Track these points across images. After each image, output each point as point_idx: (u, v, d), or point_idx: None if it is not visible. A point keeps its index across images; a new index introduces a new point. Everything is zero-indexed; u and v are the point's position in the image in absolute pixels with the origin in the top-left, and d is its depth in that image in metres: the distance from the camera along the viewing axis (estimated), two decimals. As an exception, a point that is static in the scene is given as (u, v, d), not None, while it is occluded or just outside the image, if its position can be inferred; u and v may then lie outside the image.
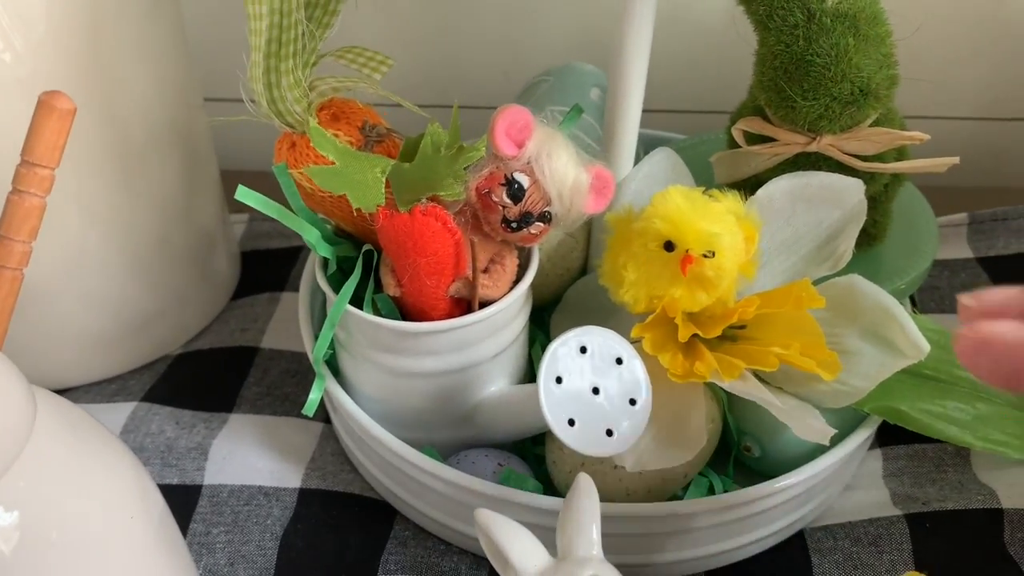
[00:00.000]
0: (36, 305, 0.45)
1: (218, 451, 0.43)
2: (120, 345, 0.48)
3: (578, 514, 0.30)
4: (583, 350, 0.33)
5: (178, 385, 0.47)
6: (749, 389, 0.36)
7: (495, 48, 0.63)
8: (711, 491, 0.39)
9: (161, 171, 0.46)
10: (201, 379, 0.47)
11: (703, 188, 0.37)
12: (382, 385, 0.40)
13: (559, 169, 0.35)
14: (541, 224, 0.36)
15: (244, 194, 0.35)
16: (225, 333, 0.51)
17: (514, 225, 0.36)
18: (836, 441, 0.37)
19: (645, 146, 0.46)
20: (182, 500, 0.41)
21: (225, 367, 0.48)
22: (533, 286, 0.40)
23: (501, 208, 0.36)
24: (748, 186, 0.41)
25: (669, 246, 0.35)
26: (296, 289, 0.53)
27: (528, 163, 0.35)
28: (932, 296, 0.52)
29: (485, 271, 0.38)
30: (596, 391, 0.33)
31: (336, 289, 0.38)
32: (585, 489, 0.31)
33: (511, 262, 0.38)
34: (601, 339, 0.34)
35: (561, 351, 0.33)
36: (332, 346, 0.40)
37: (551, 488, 0.39)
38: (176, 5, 0.47)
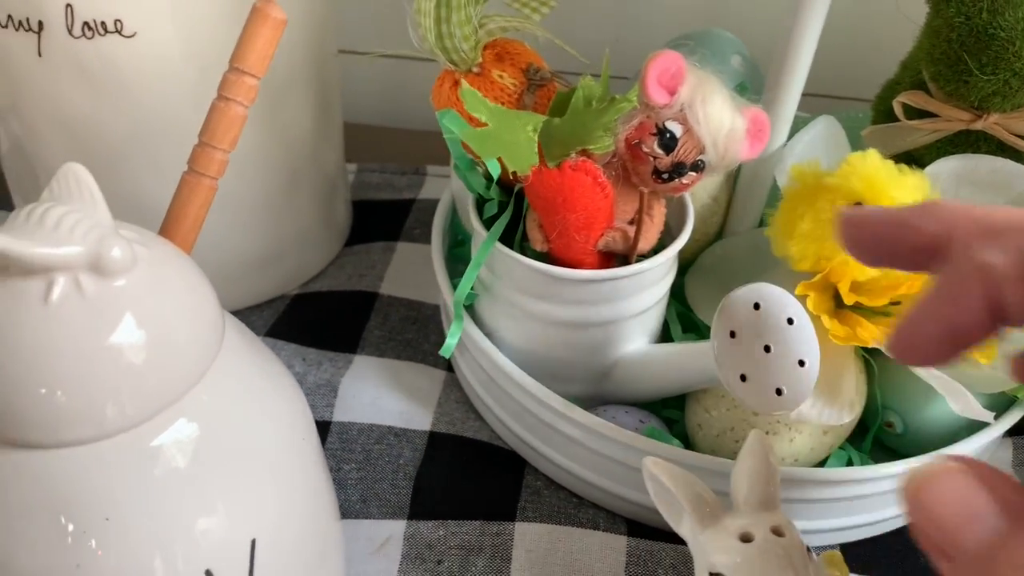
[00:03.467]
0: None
1: (347, 389, 0.43)
2: (243, 279, 0.48)
3: (758, 468, 0.30)
4: (756, 306, 0.33)
5: (300, 324, 0.47)
6: (911, 361, 0.35)
7: (606, 14, 0.63)
8: (849, 464, 0.39)
9: (296, 113, 0.46)
10: (323, 319, 0.47)
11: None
12: (525, 332, 0.39)
13: (715, 115, 0.33)
14: (694, 174, 0.35)
15: (446, 116, 0.34)
16: (342, 277, 0.50)
17: (665, 176, 0.35)
18: (977, 426, 0.37)
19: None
20: (311, 435, 0.41)
21: (345, 310, 0.48)
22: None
23: (652, 159, 0.34)
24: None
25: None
26: (410, 240, 0.53)
27: (681, 111, 0.33)
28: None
29: (632, 222, 0.37)
30: (767, 349, 0.33)
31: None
32: (763, 445, 0.30)
33: (659, 213, 0.38)
34: (775, 297, 0.33)
35: (736, 305, 0.33)
36: (472, 289, 0.40)
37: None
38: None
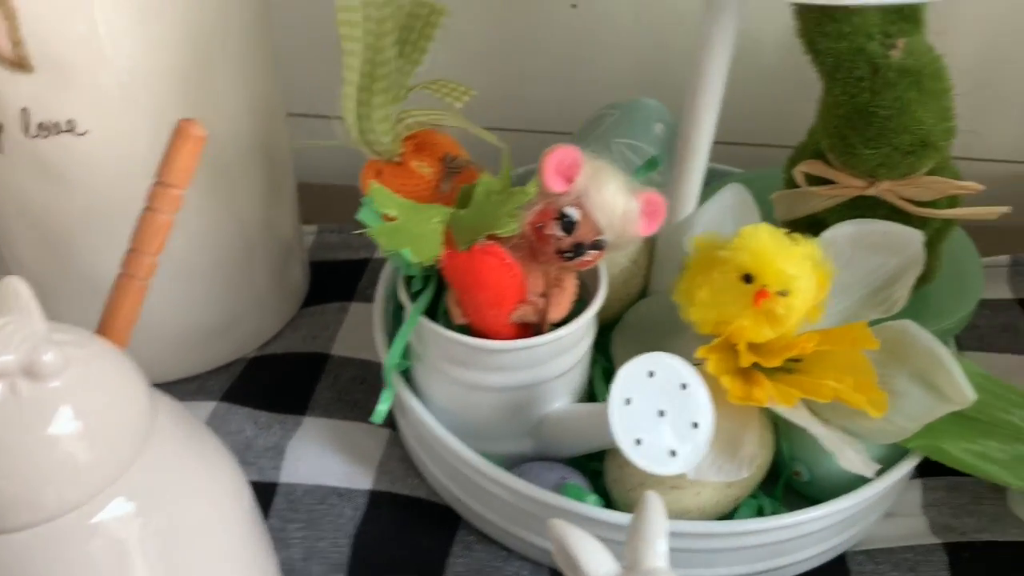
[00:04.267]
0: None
1: (293, 451, 0.46)
2: (200, 346, 0.51)
3: (647, 527, 0.32)
4: (651, 374, 0.36)
5: (255, 387, 0.50)
6: (801, 418, 0.38)
7: (552, 79, 0.66)
8: (760, 512, 0.42)
9: (246, 183, 0.49)
10: (276, 382, 0.50)
11: (786, 230, 0.39)
12: (453, 396, 0.42)
13: (608, 201, 0.37)
14: (595, 252, 0.38)
15: (362, 211, 0.37)
16: (297, 339, 0.53)
17: (568, 255, 0.38)
18: (881, 471, 0.40)
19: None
20: (259, 497, 0.43)
21: (298, 372, 0.51)
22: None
23: (554, 240, 0.37)
24: (805, 224, 0.43)
25: (748, 279, 0.37)
26: (364, 299, 0.56)
27: (578, 197, 0.37)
28: (973, 335, 0.54)
29: (543, 295, 0.40)
30: (662, 413, 0.36)
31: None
32: (654, 504, 0.33)
33: (571, 284, 0.41)
34: (668, 365, 0.36)
35: (631, 374, 0.36)
36: (407, 356, 0.43)
37: (610, 504, 0.41)
38: (269, 22, 0.49)
